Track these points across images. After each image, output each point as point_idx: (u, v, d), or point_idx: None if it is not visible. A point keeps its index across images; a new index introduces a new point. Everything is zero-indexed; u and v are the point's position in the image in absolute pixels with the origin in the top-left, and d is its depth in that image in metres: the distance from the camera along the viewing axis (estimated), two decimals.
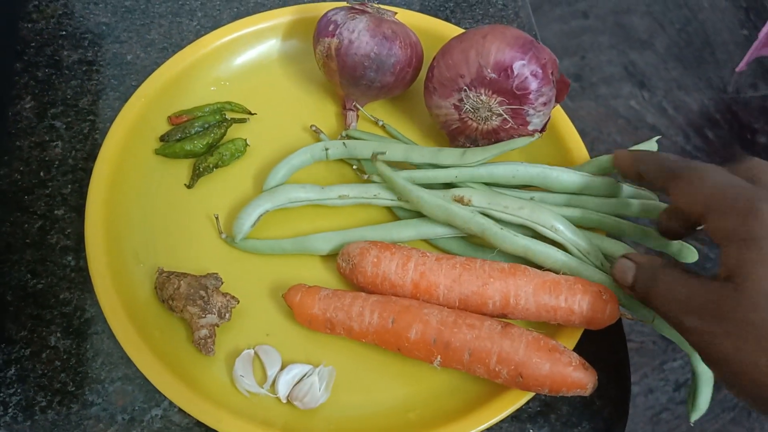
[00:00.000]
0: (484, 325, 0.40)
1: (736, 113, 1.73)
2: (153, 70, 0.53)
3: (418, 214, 0.48)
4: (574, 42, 1.76)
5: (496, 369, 0.40)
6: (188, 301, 0.43)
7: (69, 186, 0.50)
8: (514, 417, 0.43)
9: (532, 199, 0.47)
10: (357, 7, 0.50)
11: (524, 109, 0.46)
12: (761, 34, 1.12)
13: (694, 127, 1.79)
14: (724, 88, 1.82)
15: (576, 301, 0.41)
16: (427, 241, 0.48)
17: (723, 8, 1.93)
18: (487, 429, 0.42)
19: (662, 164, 0.40)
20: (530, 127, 0.47)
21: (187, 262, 0.47)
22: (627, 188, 0.47)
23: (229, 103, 0.53)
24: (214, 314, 0.43)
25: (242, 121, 0.53)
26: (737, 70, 0.96)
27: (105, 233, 0.46)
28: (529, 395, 0.41)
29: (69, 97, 0.54)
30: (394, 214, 0.49)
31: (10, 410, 0.42)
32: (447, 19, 0.58)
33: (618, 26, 1.94)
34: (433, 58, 0.49)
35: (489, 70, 0.45)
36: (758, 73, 1.67)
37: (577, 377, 0.39)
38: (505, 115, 0.47)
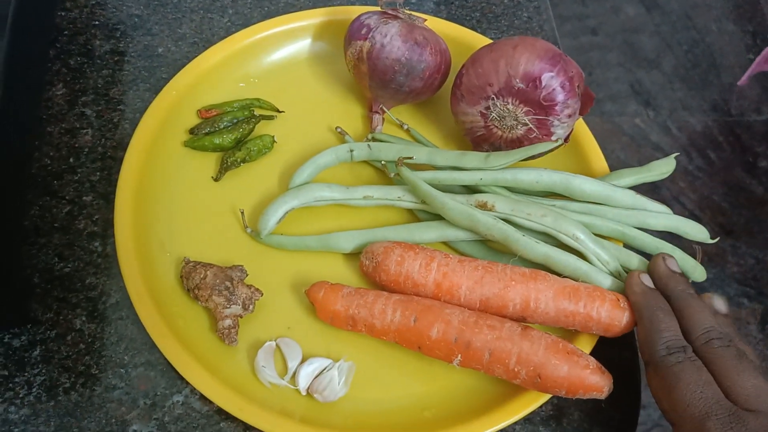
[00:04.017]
0: (504, 327, 0.41)
1: (739, 136, 1.75)
2: (183, 64, 0.54)
3: (440, 217, 0.49)
4: (582, 58, 1.78)
5: (515, 369, 0.40)
6: (214, 290, 0.44)
7: (98, 173, 0.51)
8: (527, 420, 0.44)
9: (553, 206, 0.48)
10: (390, 12, 0.51)
11: (549, 120, 0.47)
12: (765, 50, 1.13)
13: (696, 147, 1.81)
14: (728, 111, 1.84)
15: (594, 308, 0.42)
16: (448, 245, 0.49)
17: (730, 32, 1.96)
18: (501, 430, 0.43)
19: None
20: (554, 138, 0.49)
21: (211, 254, 0.47)
22: (647, 201, 0.48)
23: (257, 99, 0.54)
24: (239, 305, 0.44)
25: (270, 118, 0.54)
26: (739, 83, 0.98)
27: (133, 221, 0.47)
28: (543, 399, 0.42)
29: (100, 85, 0.55)
30: (416, 216, 0.50)
31: (34, 390, 0.43)
32: (473, 29, 0.59)
33: (626, 44, 1.96)
34: (462, 66, 0.50)
35: (518, 80, 0.47)
36: (762, 98, 1.69)
37: (594, 380, 0.40)
38: (531, 125, 0.48)
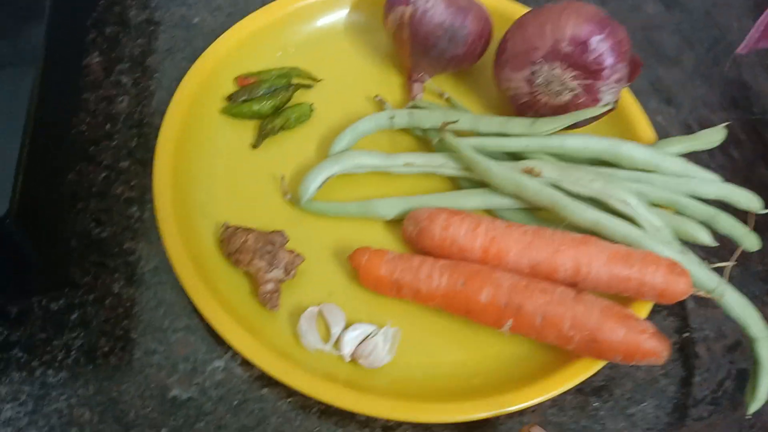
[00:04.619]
0: (556, 291, 0.40)
1: (761, 134, 1.74)
2: (219, 34, 0.53)
3: (484, 185, 0.48)
4: None
5: (569, 334, 0.39)
6: (255, 254, 0.43)
7: (135, 139, 0.50)
8: (578, 390, 0.42)
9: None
10: None
11: (597, 85, 0.46)
12: (764, 16, 1.07)
13: (718, 145, 1.80)
14: (750, 109, 1.83)
15: (649, 273, 0.41)
16: (491, 214, 0.48)
17: (751, 30, 1.95)
18: (551, 400, 0.41)
19: None
20: (601, 104, 0.47)
21: (250, 220, 0.46)
22: (697, 169, 0.47)
23: (295, 68, 0.53)
24: (281, 269, 0.43)
25: (308, 86, 0.53)
26: (737, 51, 0.97)
27: (172, 186, 0.46)
28: (596, 367, 0.41)
29: (136, 54, 0.54)
30: (457, 184, 0.49)
31: (72, 353, 0.42)
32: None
33: (646, 42, 1.95)
34: (506, 32, 0.49)
35: (565, 44, 0.46)
36: None
37: (651, 345, 0.38)
38: (578, 90, 0.47)
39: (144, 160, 0.49)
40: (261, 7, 0.56)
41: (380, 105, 0.52)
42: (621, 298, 0.43)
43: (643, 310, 0.43)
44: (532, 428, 0.37)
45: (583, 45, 0.45)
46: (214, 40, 0.53)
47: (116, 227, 0.46)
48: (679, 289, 0.41)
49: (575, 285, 0.42)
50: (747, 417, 0.42)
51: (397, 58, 0.54)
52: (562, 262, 0.42)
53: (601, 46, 0.45)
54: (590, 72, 0.46)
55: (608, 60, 0.46)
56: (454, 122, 0.47)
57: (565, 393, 0.41)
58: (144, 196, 0.48)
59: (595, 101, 0.47)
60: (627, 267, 0.41)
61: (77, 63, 0.52)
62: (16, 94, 0.41)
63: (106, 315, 0.43)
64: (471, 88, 0.54)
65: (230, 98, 0.51)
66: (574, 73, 0.46)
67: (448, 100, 0.53)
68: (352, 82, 0.54)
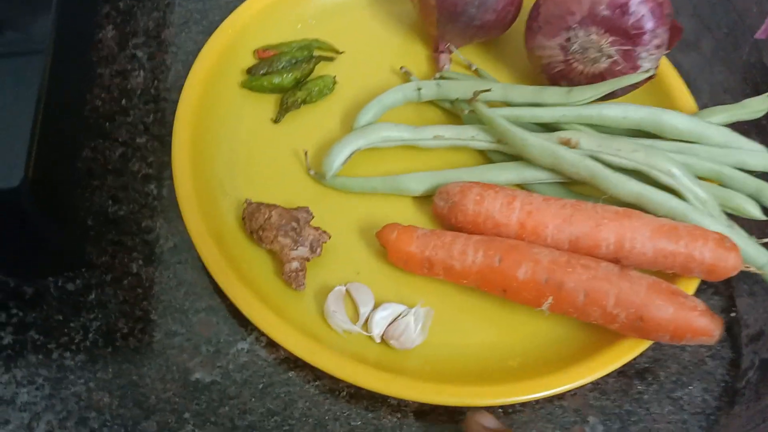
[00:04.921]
0: (600, 266, 0.38)
1: None
2: (236, 6, 0.51)
3: (515, 159, 0.45)
4: None
5: (614, 312, 0.37)
6: (280, 231, 0.41)
7: (151, 115, 0.48)
8: (621, 372, 0.40)
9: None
10: None
11: (636, 51, 0.44)
12: None
13: (740, 131, 1.76)
14: None
15: (697, 247, 0.38)
16: (523, 188, 0.46)
17: None
18: (592, 383, 0.39)
19: None
20: (641, 71, 0.45)
21: (272, 197, 0.44)
22: (742, 139, 0.45)
23: (316, 40, 0.51)
24: (306, 247, 0.41)
25: (329, 59, 0.51)
26: (756, 36, 0.94)
27: (191, 163, 0.44)
28: (640, 348, 0.39)
29: (150, 28, 0.52)
30: (488, 158, 0.47)
31: (90, 335, 0.40)
32: None
33: None
34: None
35: (603, 7, 0.43)
36: None
37: (703, 323, 0.36)
38: (616, 56, 0.44)
39: (161, 136, 0.47)
40: None
41: (406, 77, 0.50)
42: (665, 275, 0.40)
43: (689, 288, 0.41)
44: (476, 414, 0.35)
45: (622, 8, 0.43)
46: (231, 12, 0.51)
47: (134, 205, 0.44)
48: (728, 265, 0.39)
49: (618, 261, 0.40)
50: None
51: (423, 27, 0.52)
52: (605, 236, 0.39)
53: (641, 8, 0.43)
54: (629, 37, 0.43)
55: (648, 24, 0.43)
56: (486, 91, 0.44)
57: (607, 376, 0.39)
58: (162, 173, 0.46)
59: (634, 68, 0.45)
60: (673, 241, 0.39)
61: (90, 37, 0.50)
62: (29, 67, 0.40)
63: (124, 296, 0.41)
64: (499, 59, 0.52)
65: (249, 71, 0.49)
66: (612, 39, 0.44)
67: (476, 71, 0.50)
68: (375, 54, 0.52)
